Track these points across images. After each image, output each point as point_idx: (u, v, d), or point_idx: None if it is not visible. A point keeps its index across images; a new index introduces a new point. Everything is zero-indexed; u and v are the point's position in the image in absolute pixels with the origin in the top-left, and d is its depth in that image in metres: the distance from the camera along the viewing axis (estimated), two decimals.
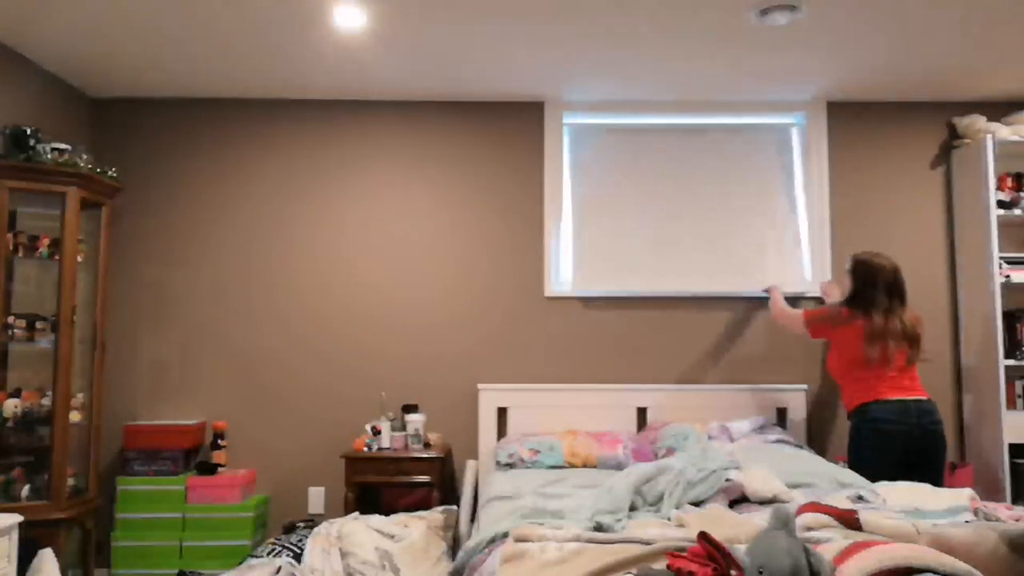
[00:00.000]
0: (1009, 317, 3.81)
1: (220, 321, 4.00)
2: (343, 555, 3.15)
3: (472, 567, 2.20)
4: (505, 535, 2.18)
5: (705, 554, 1.55)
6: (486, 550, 2.20)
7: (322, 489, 3.94)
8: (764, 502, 2.54)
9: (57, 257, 3.31)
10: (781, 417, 3.93)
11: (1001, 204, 3.81)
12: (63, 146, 3.30)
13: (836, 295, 3.94)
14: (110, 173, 3.52)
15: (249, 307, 4.01)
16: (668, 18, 3.12)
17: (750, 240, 4.10)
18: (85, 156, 3.36)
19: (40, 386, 3.38)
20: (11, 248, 3.23)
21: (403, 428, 3.78)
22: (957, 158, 4.03)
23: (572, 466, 3.46)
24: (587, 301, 4.04)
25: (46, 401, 3.28)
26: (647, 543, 1.88)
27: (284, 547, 3.28)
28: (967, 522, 1.91)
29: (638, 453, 3.49)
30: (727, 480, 2.63)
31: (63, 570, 3.09)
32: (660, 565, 1.68)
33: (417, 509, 3.60)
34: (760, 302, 4.03)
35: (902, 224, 4.08)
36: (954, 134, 4.09)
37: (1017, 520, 1.99)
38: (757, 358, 4.02)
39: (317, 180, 4.07)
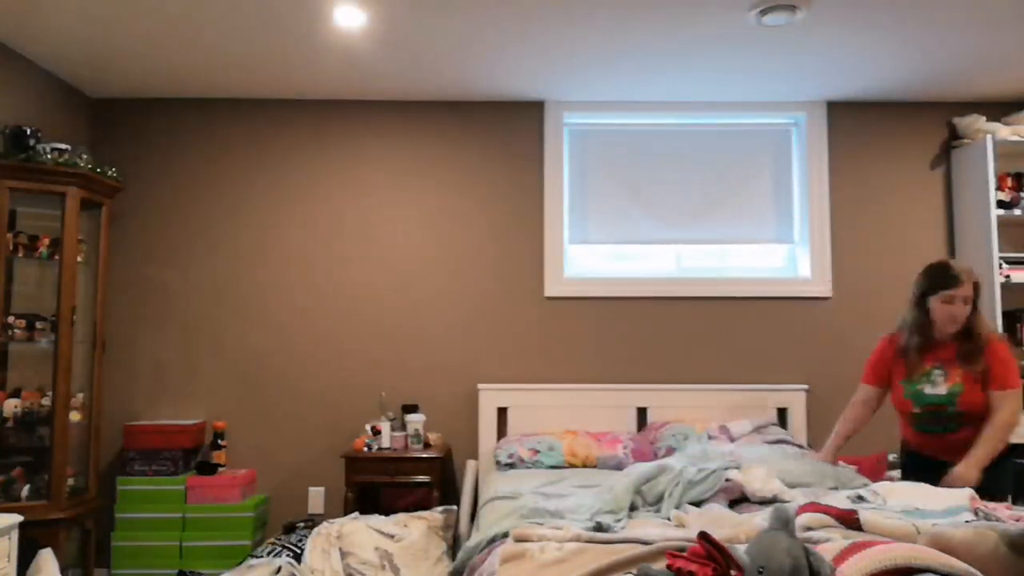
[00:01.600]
0: (1009, 317, 3.81)
1: (220, 321, 4.00)
2: (343, 555, 3.16)
3: (472, 567, 2.20)
4: (505, 535, 2.18)
5: (705, 554, 1.55)
6: (486, 550, 2.20)
7: (322, 489, 3.94)
8: (764, 502, 2.54)
9: (57, 257, 3.31)
10: (781, 417, 3.92)
11: (1001, 204, 3.81)
12: (63, 146, 3.30)
13: None
14: (110, 173, 3.52)
15: (249, 307, 4.01)
16: (668, 18, 3.12)
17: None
18: (85, 156, 3.36)
19: (40, 386, 3.38)
20: (11, 248, 3.23)
21: (403, 428, 3.79)
22: (957, 158, 4.03)
23: (572, 466, 3.46)
24: (587, 301, 4.04)
25: (46, 401, 3.28)
26: (647, 543, 1.88)
27: (284, 547, 3.28)
28: (967, 522, 1.91)
29: (638, 453, 3.49)
30: (727, 480, 2.63)
31: (63, 570, 3.09)
32: (660, 565, 1.67)
33: (417, 509, 3.60)
34: (759, 302, 4.03)
35: (902, 224, 4.08)
36: (954, 134, 4.09)
37: (1017, 520, 1.99)
38: (757, 358, 4.01)
39: (316, 180, 4.07)
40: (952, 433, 2.64)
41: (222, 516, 3.59)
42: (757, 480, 2.61)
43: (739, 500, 2.61)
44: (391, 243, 4.05)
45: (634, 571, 1.67)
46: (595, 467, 3.45)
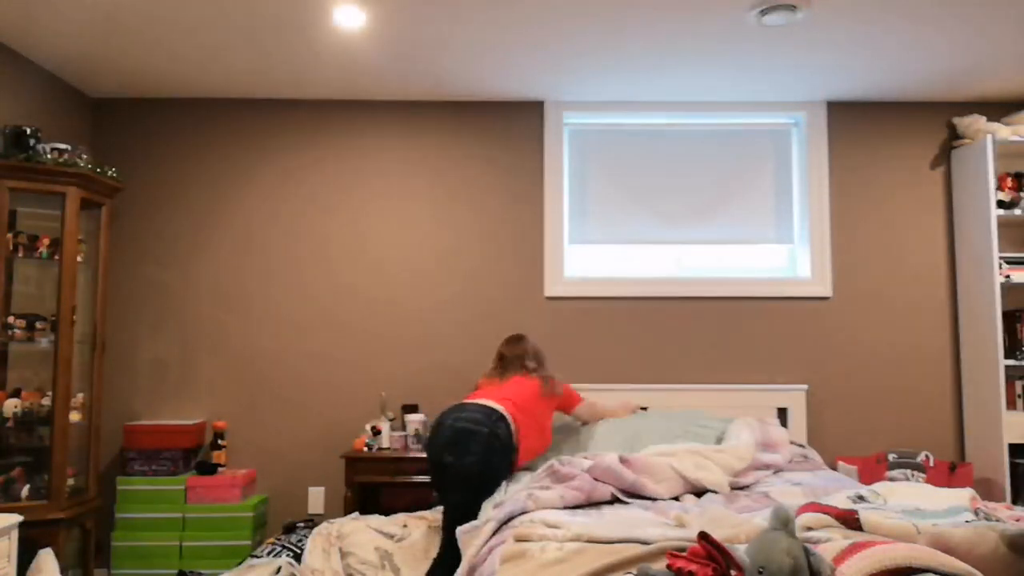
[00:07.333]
0: (1009, 317, 3.81)
1: (220, 321, 4.00)
2: (343, 555, 3.16)
3: (472, 567, 2.20)
4: (507, 522, 2.20)
5: (705, 554, 1.55)
6: (485, 549, 2.21)
7: (322, 489, 3.94)
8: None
9: (57, 257, 3.31)
10: (781, 417, 3.92)
11: (1001, 204, 3.81)
12: (63, 146, 3.30)
13: None
14: (110, 173, 3.52)
15: (249, 307, 4.01)
16: (668, 18, 3.12)
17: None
18: (85, 156, 3.36)
19: (40, 386, 3.38)
20: (11, 248, 3.23)
21: (403, 428, 3.79)
22: (957, 158, 4.03)
23: None
24: (587, 301, 4.04)
25: (46, 401, 3.28)
26: (647, 543, 1.88)
27: (284, 547, 3.28)
28: (967, 522, 1.91)
29: (628, 462, 3.29)
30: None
31: (63, 570, 3.09)
32: (660, 565, 1.67)
33: (417, 509, 3.60)
34: (759, 301, 4.03)
35: (902, 224, 4.08)
36: (954, 134, 4.09)
37: (1017, 520, 1.99)
38: (757, 358, 4.02)
39: (316, 180, 4.07)
40: None
41: (222, 516, 3.59)
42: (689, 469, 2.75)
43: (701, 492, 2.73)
44: (391, 243, 4.05)
45: (634, 571, 1.67)
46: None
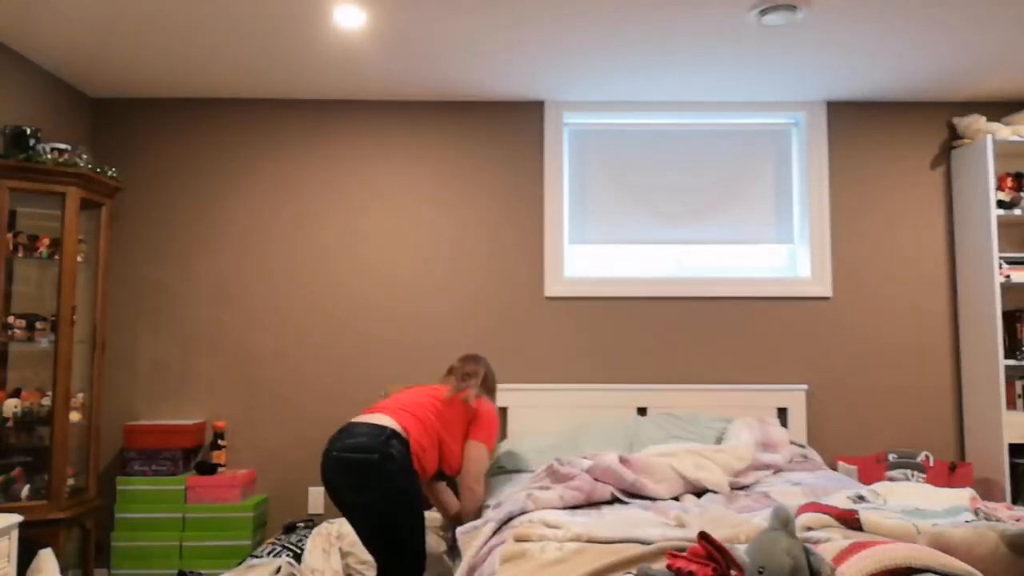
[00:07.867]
0: (1009, 317, 3.81)
1: (220, 321, 4.00)
2: (343, 555, 3.16)
3: (472, 567, 2.21)
4: (507, 521, 2.19)
5: (705, 554, 1.55)
6: (485, 549, 2.21)
7: (322, 489, 3.94)
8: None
9: (57, 257, 3.31)
10: (781, 417, 3.93)
11: (1001, 204, 3.81)
12: (63, 146, 3.30)
13: None
14: (110, 173, 3.52)
15: (249, 307, 4.01)
16: (668, 18, 3.12)
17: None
18: (85, 156, 3.36)
19: (40, 386, 3.38)
20: (11, 248, 3.23)
21: None
22: (957, 158, 4.03)
23: None
24: (587, 301, 4.04)
25: (46, 401, 3.28)
26: (647, 543, 1.89)
27: (284, 547, 3.28)
28: (967, 522, 1.91)
29: (627, 462, 3.34)
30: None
31: (63, 570, 3.09)
32: (660, 565, 1.68)
33: None
34: (759, 301, 4.03)
35: (902, 224, 4.08)
36: (954, 134, 4.09)
37: (1017, 520, 1.99)
38: (757, 358, 4.02)
39: (316, 180, 4.07)
40: None
41: (222, 516, 3.59)
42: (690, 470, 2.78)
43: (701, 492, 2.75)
44: (391, 243, 4.05)
45: (634, 571, 1.67)
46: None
